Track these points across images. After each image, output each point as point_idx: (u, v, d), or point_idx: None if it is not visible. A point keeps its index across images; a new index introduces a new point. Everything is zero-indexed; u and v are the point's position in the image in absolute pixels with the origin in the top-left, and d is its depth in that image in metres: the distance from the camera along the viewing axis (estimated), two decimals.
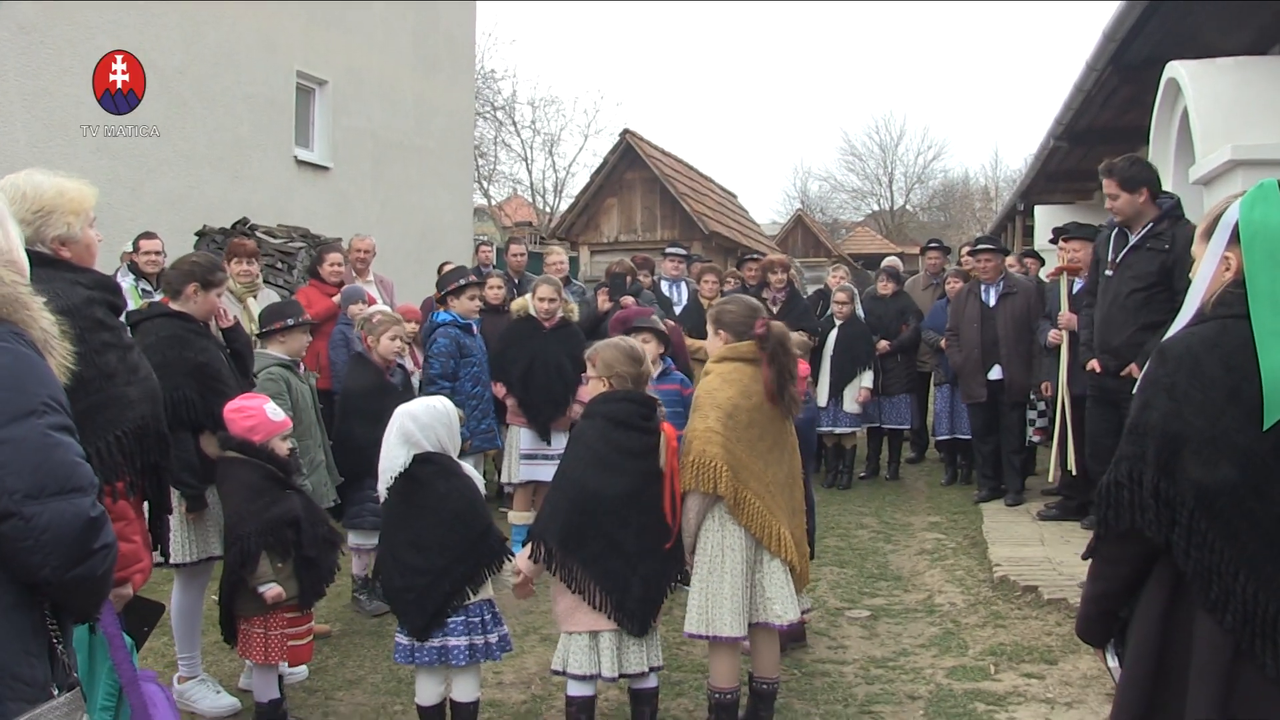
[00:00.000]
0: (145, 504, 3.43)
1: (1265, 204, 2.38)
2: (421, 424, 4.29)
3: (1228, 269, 2.43)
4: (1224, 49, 8.15)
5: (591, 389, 4.49)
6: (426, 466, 4.24)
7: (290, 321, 5.61)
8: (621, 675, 4.21)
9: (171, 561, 4.74)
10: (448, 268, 10.00)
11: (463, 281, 7.30)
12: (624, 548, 4.16)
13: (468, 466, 4.50)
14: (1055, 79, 75.19)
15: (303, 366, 5.84)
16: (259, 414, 4.69)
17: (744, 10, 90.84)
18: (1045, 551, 6.94)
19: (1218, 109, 6.91)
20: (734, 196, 30.63)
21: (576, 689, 4.23)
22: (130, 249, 8.72)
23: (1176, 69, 7.43)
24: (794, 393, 4.40)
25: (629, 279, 8.73)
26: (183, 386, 4.59)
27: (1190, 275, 2.56)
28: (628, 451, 4.23)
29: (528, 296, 7.56)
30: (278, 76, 13.28)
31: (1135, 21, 8.12)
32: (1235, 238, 2.41)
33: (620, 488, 4.18)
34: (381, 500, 4.36)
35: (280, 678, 4.70)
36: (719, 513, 4.32)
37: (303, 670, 5.13)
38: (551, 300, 7.35)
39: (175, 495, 4.67)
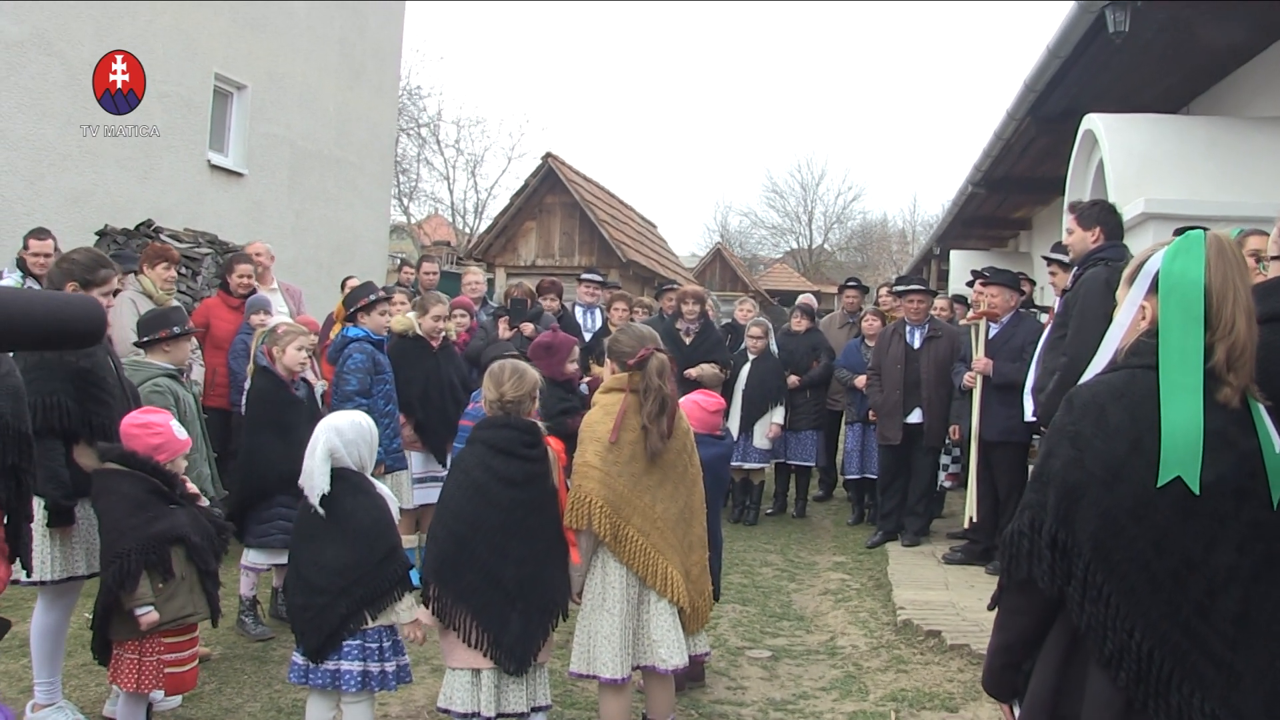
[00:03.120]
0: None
1: (1186, 256, 2.34)
2: (346, 440, 4.16)
3: (1144, 318, 2.40)
4: (1139, 104, 8.32)
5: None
6: (336, 483, 4.10)
7: (176, 330, 5.36)
8: (500, 715, 4.04)
9: (33, 579, 4.44)
10: (352, 283, 9.78)
11: (374, 297, 7.09)
12: (502, 582, 4.00)
13: (381, 486, 4.33)
14: (973, 131, 76.87)
15: (186, 375, 5.59)
16: (167, 431, 4.46)
17: (675, 44, 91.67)
18: (949, 596, 6.91)
19: (1132, 162, 7.02)
20: (654, 226, 30.65)
21: None
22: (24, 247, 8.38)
23: (1094, 121, 7.54)
24: (661, 428, 4.21)
25: (529, 303, 8.62)
26: (57, 392, 4.32)
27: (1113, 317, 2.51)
28: (508, 480, 4.07)
29: (412, 315, 7.42)
30: (194, 77, 12.91)
31: (1055, 73, 8.25)
32: (1155, 287, 2.37)
33: (499, 518, 4.02)
34: (312, 512, 4.15)
35: (149, 706, 4.42)
36: (602, 549, 4.19)
37: (175, 699, 4.85)
38: (443, 319, 7.27)
39: (38, 506, 4.40)
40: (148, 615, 4.17)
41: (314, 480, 4.09)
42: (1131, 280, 2.45)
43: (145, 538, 4.19)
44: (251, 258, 8.54)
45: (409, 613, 4.11)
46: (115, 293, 4.81)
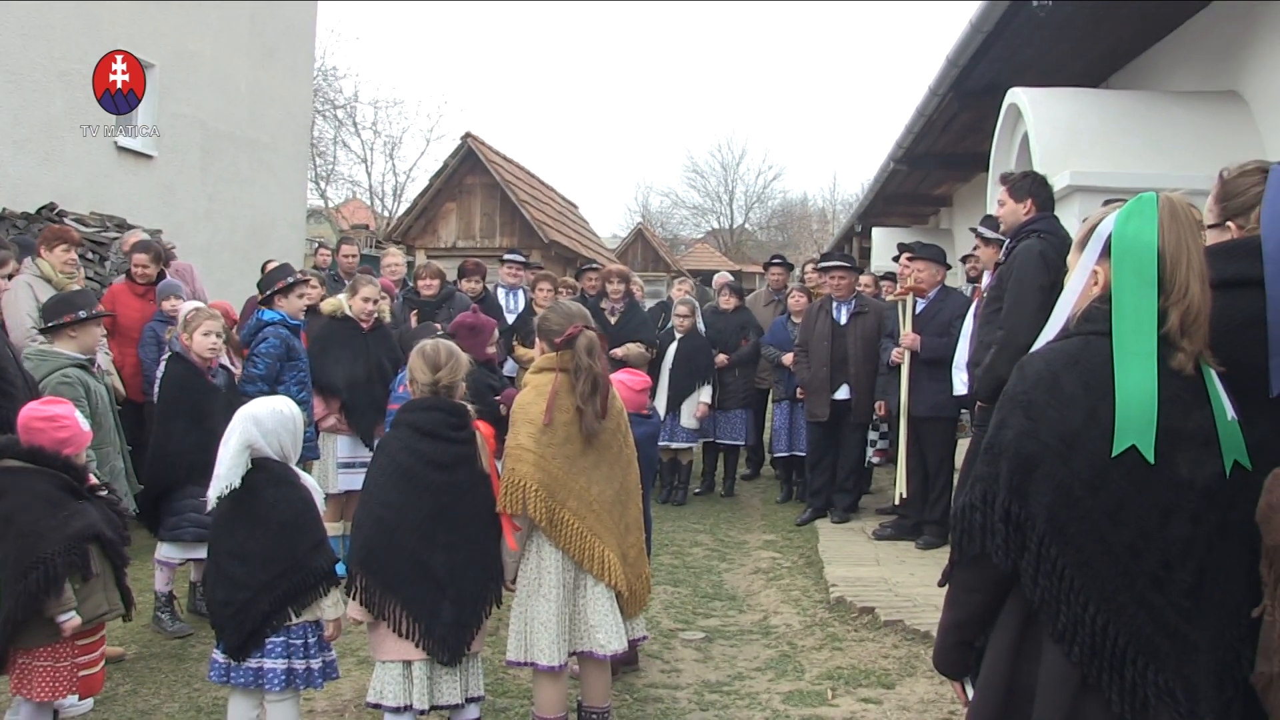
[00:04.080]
0: None
1: (1139, 218, 2.28)
2: (266, 429, 3.93)
3: (1096, 283, 2.34)
4: (1060, 79, 8.35)
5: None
6: (258, 473, 3.89)
7: (82, 314, 5.09)
8: (434, 707, 3.90)
9: None
10: (272, 265, 9.52)
11: (291, 280, 6.86)
12: (432, 570, 3.85)
13: (306, 477, 4.14)
14: (892, 111, 77.65)
15: (97, 365, 5.33)
16: (73, 424, 4.20)
17: (594, 24, 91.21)
18: (881, 571, 6.89)
19: (1057, 135, 7.02)
20: (575, 207, 30.48)
21: None
22: None
23: (1018, 95, 7.55)
24: (596, 407, 4.09)
25: (439, 284, 8.53)
26: None
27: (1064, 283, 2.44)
28: (435, 464, 3.92)
29: (341, 296, 7.25)
30: (98, 54, 12.35)
31: (978, 48, 8.24)
32: (1107, 251, 2.30)
33: (427, 504, 3.87)
34: (210, 508, 3.96)
35: (55, 712, 4.19)
36: (537, 533, 4.06)
37: (87, 702, 4.60)
38: (374, 301, 7.07)
39: None
40: (71, 620, 3.95)
41: (222, 471, 3.86)
42: (1083, 245, 2.38)
43: (66, 539, 3.95)
44: (153, 245, 8.22)
45: (335, 609, 3.95)
46: (10, 276, 4.53)
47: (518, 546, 4.05)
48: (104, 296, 7.95)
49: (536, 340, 4.36)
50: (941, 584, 2.47)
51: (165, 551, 5.75)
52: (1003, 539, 2.22)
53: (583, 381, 4.05)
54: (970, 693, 2.43)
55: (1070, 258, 2.44)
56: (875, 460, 9.04)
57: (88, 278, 9.15)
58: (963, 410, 7.35)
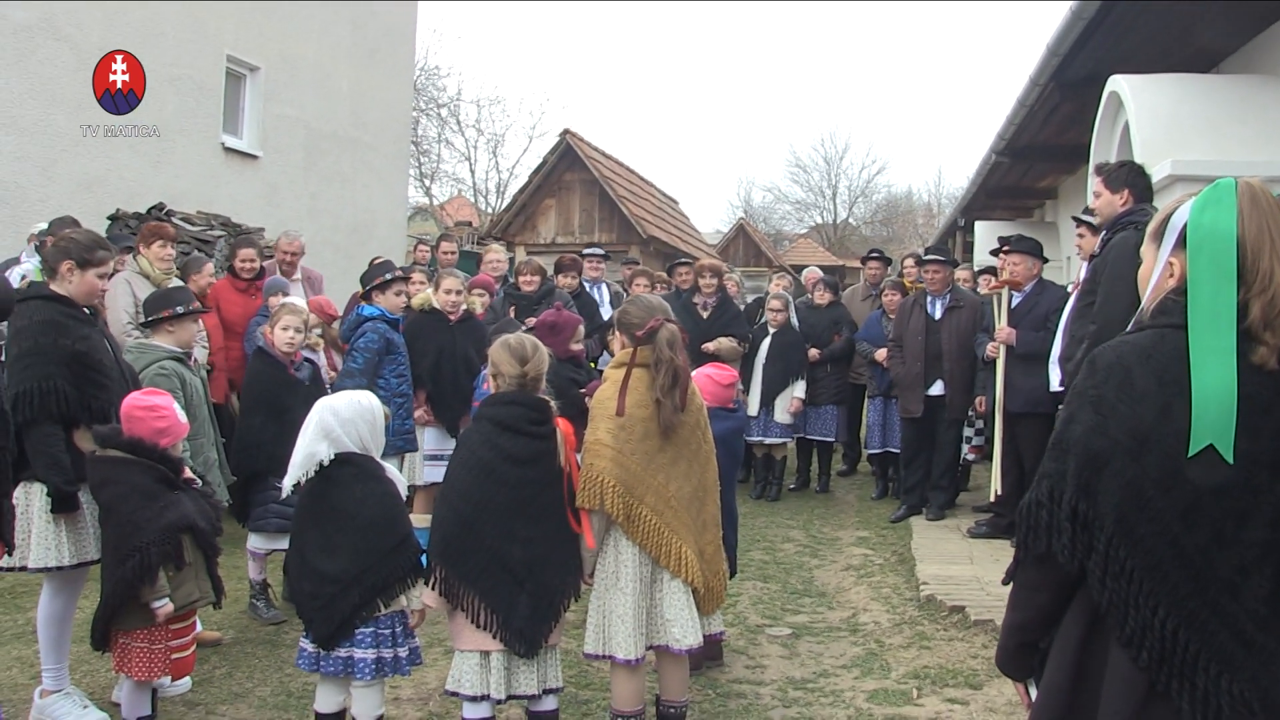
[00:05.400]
0: None
1: (1217, 207, 2.16)
2: (343, 419, 3.99)
3: (1171, 275, 2.23)
4: (1166, 66, 8.10)
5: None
6: (345, 468, 3.96)
7: (179, 309, 5.25)
8: (511, 697, 3.94)
9: (39, 565, 4.35)
10: (377, 261, 9.70)
11: (389, 276, 6.98)
12: (510, 563, 3.88)
13: (392, 469, 4.21)
14: (998, 101, 76.10)
15: (194, 359, 5.49)
16: (171, 415, 4.35)
17: (696, 20, 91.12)
18: (974, 570, 6.77)
19: (1158, 124, 6.82)
20: (675, 202, 30.48)
21: (471, 711, 3.96)
22: (38, 230, 8.36)
23: (1119, 82, 7.34)
24: (675, 400, 4.07)
25: (540, 280, 8.58)
26: (53, 376, 4.24)
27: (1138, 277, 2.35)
28: (514, 458, 3.93)
29: (429, 290, 7.37)
30: (206, 59, 12.82)
31: (1078, 36, 8.04)
32: (1182, 242, 2.20)
33: (505, 498, 3.90)
34: (285, 496, 4.08)
35: (155, 691, 4.35)
36: (614, 528, 4.07)
37: (185, 682, 4.77)
38: (456, 293, 7.18)
39: (39, 491, 4.31)
40: (164, 607, 4.11)
41: (297, 460, 3.95)
42: (1158, 236, 2.28)
43: (161, 529, 4.10)
44: (257, 242, 8.45)
45: (420, 601, 4.02)
46: (111, 275, 4.71)
47: (595, 543, 4.07)
48: (208, 293, 8.18)
49: (616, 333, 4.37)
50: (1005, 583, 2.40)
51: (253, 542, 5.93)
52: (1069, 538, 2.14)
53: (663, 374, 4.05)
54: (1033, 695, 2.36)
55: (1144, 249, 2.34)
56: (971, 457, 8.88)
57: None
58: (1059, 406, 7.16)
